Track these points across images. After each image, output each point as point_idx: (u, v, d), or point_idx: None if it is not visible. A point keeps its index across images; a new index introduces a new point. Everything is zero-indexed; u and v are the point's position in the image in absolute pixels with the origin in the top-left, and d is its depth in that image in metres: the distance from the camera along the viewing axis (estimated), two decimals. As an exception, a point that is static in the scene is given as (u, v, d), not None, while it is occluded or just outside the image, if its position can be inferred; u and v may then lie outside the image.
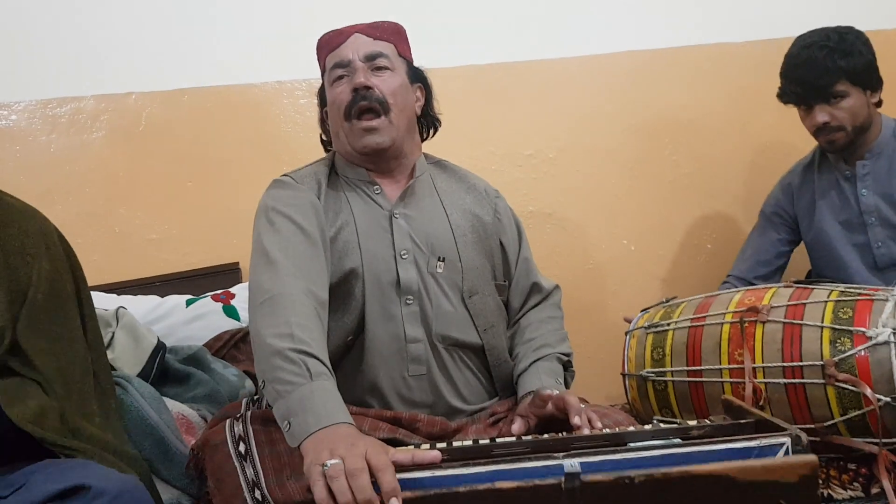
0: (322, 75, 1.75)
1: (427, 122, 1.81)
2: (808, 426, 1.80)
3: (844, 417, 1.77)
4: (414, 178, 1.71)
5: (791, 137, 2.77)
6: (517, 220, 1.85)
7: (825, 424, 1.80)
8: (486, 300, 1.69)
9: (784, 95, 2.28)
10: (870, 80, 2.20)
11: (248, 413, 1.47)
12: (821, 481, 1.82)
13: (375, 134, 1.62)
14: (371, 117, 1.62)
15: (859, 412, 1.75)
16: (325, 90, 1.74)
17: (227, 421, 1.45)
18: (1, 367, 1.31)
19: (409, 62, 1.74)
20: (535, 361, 1.65)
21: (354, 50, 1.65)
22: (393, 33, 1.71)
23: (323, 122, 1.80)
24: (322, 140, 1.83)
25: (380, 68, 1.65)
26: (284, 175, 1.69)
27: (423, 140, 1.81)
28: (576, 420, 1.35)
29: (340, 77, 1.66)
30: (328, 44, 1.70)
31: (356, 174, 1.69)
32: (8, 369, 1.33)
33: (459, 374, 1.64)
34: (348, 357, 1.60)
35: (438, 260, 1.63)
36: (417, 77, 1.76)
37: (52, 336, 1.39)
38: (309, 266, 1.50)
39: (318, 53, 1.74)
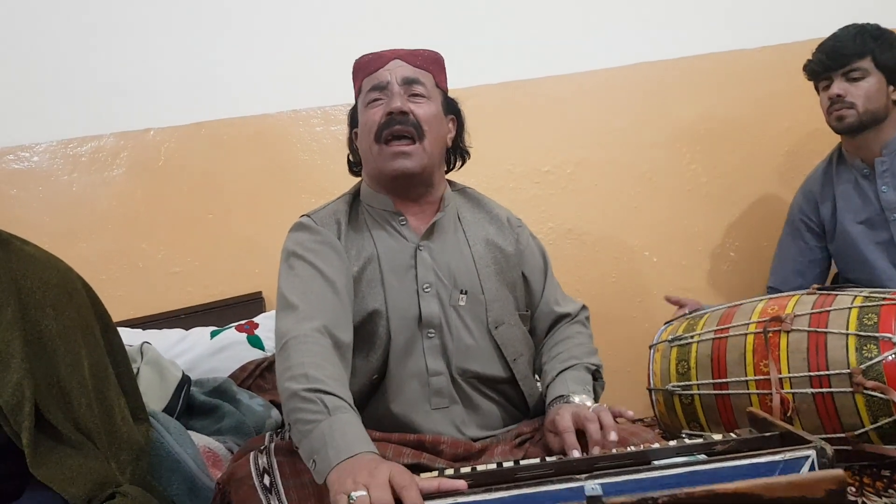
0: (356, 97, 1.72)
1: (456, 153, 1.78)
2: (838, 435, 1.78)
3: (875, 426, 1.75)
4: (442, 210, 1.68)
5: (810, 142, 2.76)
6: (542, 249, 1.82)
7: (856, 433, 1.77)
8: (513, 330, 1.67)
9: (808, 64, 2.32)
10: (895, 74, 2.22)
11: (272, 445, 1.47)
12: (855, 489, 1.80)
13: (406, 158, 1.59)
14: (405, 143, 1.60)
15: (890, 419, 1.72)
16: (356, 111, 1.72)
17: (252, 453, 1.44)
18: (33, 421, 1.32)
19: (444, 93, 1.72)
20: (561, 371, 1.62)
21: (393, 74, 1.63)
22: (432, 63, 1.69)
23: (351, 142, 1.78)
24: (349, 160, 1.81)
25: (416, 95, 1.63)
26: (305, 216, 1.68)
27: (448, 170, 1.79)
28: (574, 454, 1.34)
29: (376, 100, 1.63)
30: (366, 66, 1.68)
31: (381, 203, 1.67)
32: (41, 423, 1.33)
33: (484, 407, 1.63)
34: (375, 395, 1.60)
35: (461, 293, 1.62)
36: (451, 109, 1.74)
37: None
38: (327, 308, 1.50)
39: (354, 74, 1.72)
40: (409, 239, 1.64)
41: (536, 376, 1.78)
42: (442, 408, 1.58)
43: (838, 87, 2.23)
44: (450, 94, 1.75)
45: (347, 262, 1.60)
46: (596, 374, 1.67)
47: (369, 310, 1.58)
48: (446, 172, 1.78)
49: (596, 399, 1.63)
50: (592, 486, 1.03)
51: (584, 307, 1.82)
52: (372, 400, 1.60)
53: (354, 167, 1.80)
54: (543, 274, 1.79)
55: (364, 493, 1.07)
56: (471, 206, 1.77)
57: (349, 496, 1.08)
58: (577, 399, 1.51)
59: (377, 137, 1.61)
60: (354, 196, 1.74)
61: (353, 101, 1.75)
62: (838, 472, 1.02)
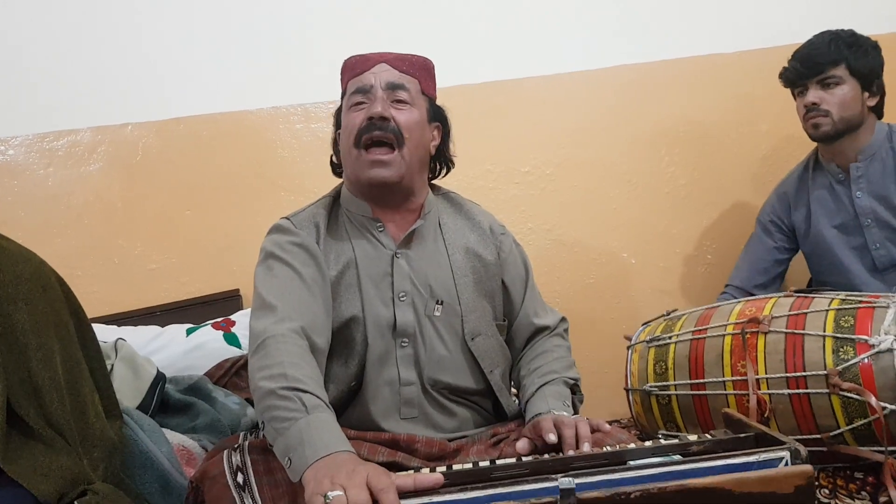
0: (342, 98, 1.70)
1: (440, 161, 1.76)
2: (813, 436, 1.80)
3: (850, 427, 1.76)
4: (422, 217, 1.67)
5: (787, 146, 2.78)
6: (525, 258, 1.80)
7: (831, 434, 1.78)
8: (490, 341, 1.66)
9: (784, 72, 2.34)
10: (869, 81, 2.24)
11: (246, 443, 1.46)
12: (828, 491, 1.81)
13: (384, 167, 1.57)
14: (384, 151, 1.58)
15: (865, 421, 1.74)
16: (341, 113, 1.70)
17: (225, 451, 1.43)
18: (4, 416, 1.30)
19: (431, 100, 1.70)
20: (541, 386, 1.62)
21: (378, 78, 1.61)
22: (420, 68, 1.67)
23: (335, 143, 1.75)
24: (332, 162, 1.79)
25: (400, 101, 1.61)
26: (284, 218, 1.67)
27: (432, 178, 1.77)
28: (550, 437, 1.37)
29: (359, 103, 1.61)
30: (353, 68, 1.66)
31: (360, 209, 1.65)
32: (13, 419, 1.31)
33: (458, 413, 1.63)
34: (351, 403, 1.59)
35: (437, 303, 1.61)
36: (437, 116, 1.71)
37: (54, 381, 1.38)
38: (305, 311, 1.49)
39: (341, 74, 1.70)
40: (386, 246, 1.63)
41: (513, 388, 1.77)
42: (411, 418, 1.58)
43: (813, 94, 2.25)
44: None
45: (325, 267, 1.58)
46: (574, 388, 1.67)
47: (347, 316, 1.57)
48: (430, 180, 1.76)
49: (575, 412, 1.63)
50: (567, 479, 1.04)
51: (563, 319, 1.81)
52: (349, 407, 1.59)
53: (338, 168, 1.78)
54: (524, 284, 1.77)
55: (341, 493, 1.07)
56: (453, 212, 1.75)
57: (325, 496, 1.07)
58: (556, 416, 1.51)
59: (356, 142, 1.59)
60: (335, 199, 1.72)
61: (334, 99, 1.73)
62: (806, 467, 1.05)
